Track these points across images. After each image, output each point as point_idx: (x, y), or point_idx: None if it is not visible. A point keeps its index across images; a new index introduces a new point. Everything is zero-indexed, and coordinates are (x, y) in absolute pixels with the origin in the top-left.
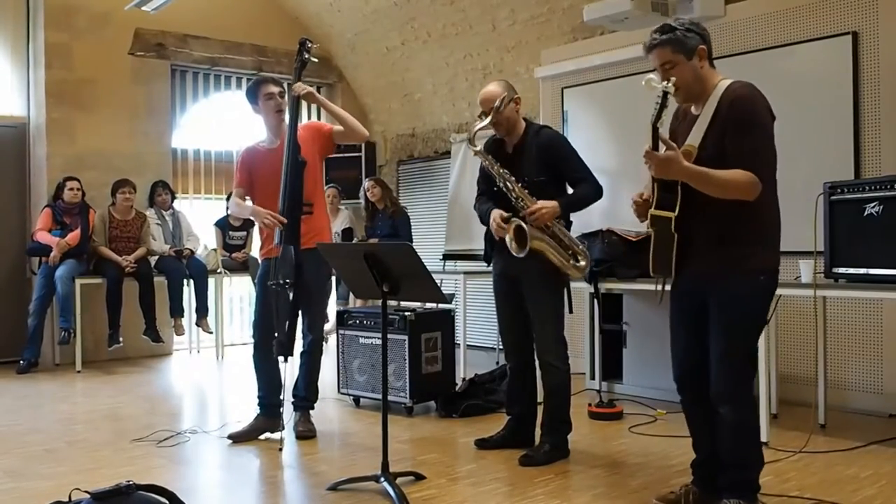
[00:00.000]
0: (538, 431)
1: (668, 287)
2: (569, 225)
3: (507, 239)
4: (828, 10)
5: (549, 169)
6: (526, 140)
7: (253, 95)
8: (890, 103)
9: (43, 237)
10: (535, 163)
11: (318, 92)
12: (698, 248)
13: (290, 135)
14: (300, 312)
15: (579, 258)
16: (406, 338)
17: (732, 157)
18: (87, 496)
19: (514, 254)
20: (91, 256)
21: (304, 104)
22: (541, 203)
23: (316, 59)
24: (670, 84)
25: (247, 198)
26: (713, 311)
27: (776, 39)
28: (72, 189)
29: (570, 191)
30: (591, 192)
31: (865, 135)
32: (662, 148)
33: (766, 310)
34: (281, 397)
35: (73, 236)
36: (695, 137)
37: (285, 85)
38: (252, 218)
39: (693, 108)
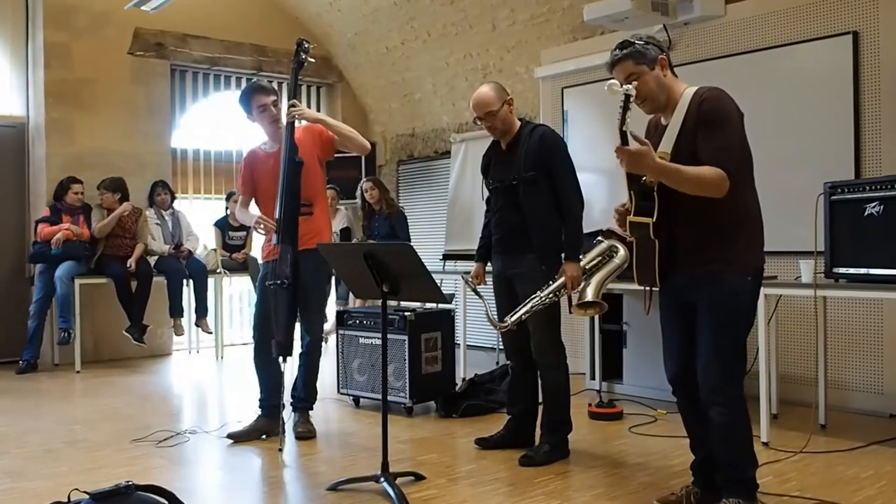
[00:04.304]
0: (538, 431)
1: (655, 292)
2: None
3: (597, 311)
4: (828, 10)
5: (540, 165)
6: (520, 138)
7: (246, 105)
8: (890, 103)
9: (47, 229)
10: (525, 159)
11: (318, 92)
12: (683, 252)
13: (286, 135)
14: (298, 313)
15: (613, 256)
16: (406, 338)
17: (703, 154)
18: (87, 496)
19: (598, 311)
20: (92, 251)
21: (304, 103)
22: (563, 280)
23: (313, 60)
24: (631, 87)
25: (251, 203)
26: (701, 312)
27: (776, 39)
28: (76, 193)
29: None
30: (576, 220)
31: (865, 135)
32: (635, 146)
33: (753, 309)
34: (281, 398)
35: (85, 233)
36: (667, 144)
37: (284, 86)
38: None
39: (662, 119)
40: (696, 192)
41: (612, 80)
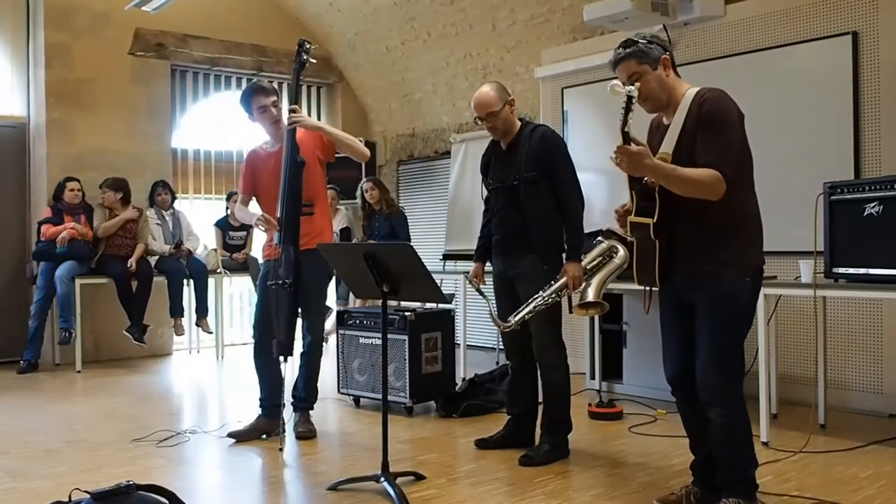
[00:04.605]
0: (538, 431)
1: (655, 291)
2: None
3: (598, 311)
4: (828, 10)
5: (541, 166)
6: (520, 138)
7: (247, 106)
8: (890, 103)
9: (52, 229)
10: (526, 160)
11: (318, 92)
12: (683, 252)
13: (288, 137)
14: (300, 313)
15: (613, 257)
16: (406, 338)
17: (700, 156)
18: (87, 496)
19: (599, 311)
20: (94, 252)
21: (304, 105)
22: (565, 280)
23: (314, 60)
24: (634, 88)
25: (251, 202)
26: (700, 312)
27: (776, 39)
28: (72, 190)
29: None
30: (577, 220)
31: (865, 135)
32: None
33: (752, 310)
34: (282, 398)
35: (89, 233)
36: (668, 145)
37: (284, 86)
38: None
39: (665, 119)
40: (691, 194)
41: (614, 81)
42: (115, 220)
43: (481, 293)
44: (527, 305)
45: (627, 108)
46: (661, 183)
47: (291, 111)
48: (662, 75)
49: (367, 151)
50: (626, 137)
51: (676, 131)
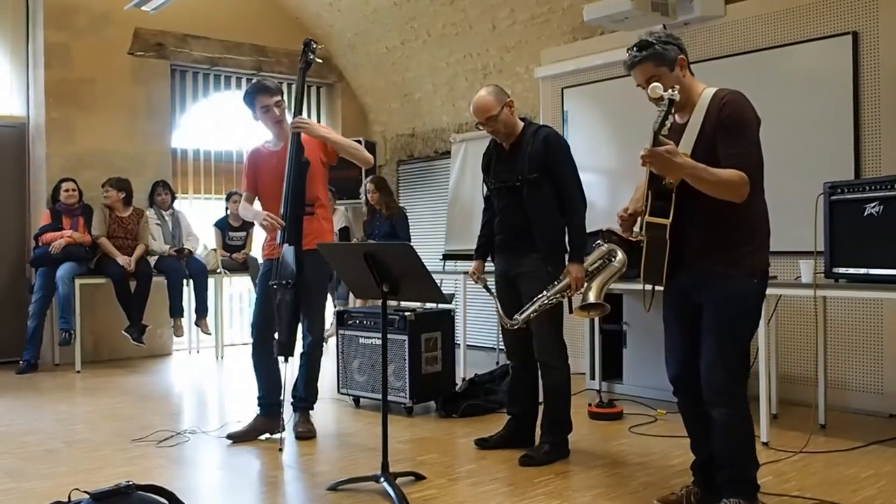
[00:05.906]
0: (538, 431)
1: (658, 290)
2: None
3: (599, 313)
4: (828, 10)
5: (544, 167)
6: (523, 139)
7: (251, 104)
8: (890, 103)
9: (49, 235)
10: (529, 161)
11: (318, 92)
12: (691, 252)
13: (292, 141)
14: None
15: (613, 260)
16: (406, 338)
17: (723, 159)
18: (87, 496)
19: (601, 313)
20: (93, 253)
21: (304, 108)
22: (568, 280)
23: (320, 60)
24: (675, 92)
25: (255, 200)
26: (706, 313)
27: (776, 39)
28: (67, 191)
29: None
30: (580, 221)
31: (865, 135)
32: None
33: (759, 311)
34: (280, 397)
35: (86, 239)
36: (685, 145)
37: (284, 86)
38: (254, 220)
39: (678, 118)
40: (718, 194)
41: (655, 84)
42: (114, 251)
43: (489, 290)
44: (532, 304)
45: (668, 112)
46: (689, 180)
47: (297, 118)
48: (680, 76)
49: (371, 158)
50: (657, 139)
51: (694, 132)
